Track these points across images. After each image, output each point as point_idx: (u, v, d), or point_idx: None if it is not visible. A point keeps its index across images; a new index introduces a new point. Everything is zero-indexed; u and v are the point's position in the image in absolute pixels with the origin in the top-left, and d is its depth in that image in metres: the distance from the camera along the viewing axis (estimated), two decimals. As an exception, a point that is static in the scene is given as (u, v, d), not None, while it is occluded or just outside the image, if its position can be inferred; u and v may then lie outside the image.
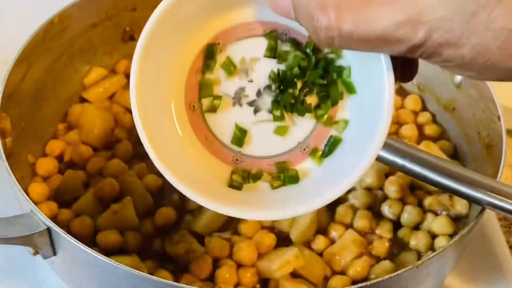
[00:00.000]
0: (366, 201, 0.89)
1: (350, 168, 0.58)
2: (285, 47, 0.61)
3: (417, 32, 0.46)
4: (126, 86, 1.06)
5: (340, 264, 0.84)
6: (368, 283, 0.71)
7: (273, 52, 0.61)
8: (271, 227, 0.87)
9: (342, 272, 0.84)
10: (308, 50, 0.60)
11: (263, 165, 0.62)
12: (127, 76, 1.07)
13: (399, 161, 0.80)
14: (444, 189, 0.78)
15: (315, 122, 0.62)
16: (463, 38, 0.46)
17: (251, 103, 0.62)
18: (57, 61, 1.01)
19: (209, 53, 0.61)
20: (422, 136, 1.01)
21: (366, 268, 0.83)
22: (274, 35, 0.61)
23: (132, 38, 1.11)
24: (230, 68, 0.61)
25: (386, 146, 0.80)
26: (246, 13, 0.61)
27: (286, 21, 0.60)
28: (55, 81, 1.01)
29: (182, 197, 0.90)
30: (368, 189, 0.91)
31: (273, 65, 0.61)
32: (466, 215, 0.90)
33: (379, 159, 0.81)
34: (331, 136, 0.62)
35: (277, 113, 0.61)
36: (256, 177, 0.63)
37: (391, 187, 0.89)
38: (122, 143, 0.96)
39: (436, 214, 0.89)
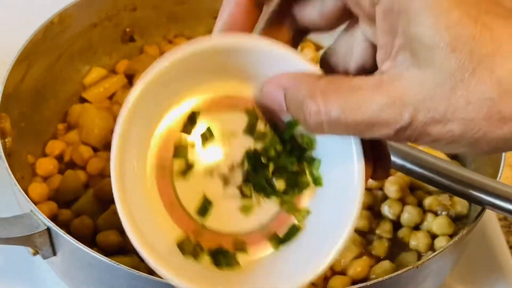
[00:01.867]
0: (365, 201, 0.89)
1: (305, 264, 0.58)
2: (263, 128, 0.60)
3: (402, 114, 0.47)
4: (126, 86, 1.06)
5: (340, 264, 0.84)
6: (368, 283, 0.71)
7: (252, 131, 0.60)
8: (271, 227, 0.87)
9: (342, 272, 0.84)
10: (285, 136, 0.60)
11: (222, 242, 0.61)
12: (127, 76, 1.07)
13: (399, 161, 0.80)
14: (444, 189, 0.78)
15: (279, 207, 0.61)
16: (448, 114, 0.46)
17: (222, 176, 0.60)
18: (57, 61, 1.01)
19: (191, 119, 0.60)
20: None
21: (366, 268, 0.83)
22: (255, 114, 0.60)
23: (132, 38, 1.11)
24: (208, 138, 0.60)
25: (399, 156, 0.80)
26: (232, 86, 0.60)
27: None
28: (55, 81, 1.01)
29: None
30: (368, 189, 0.91)
31: (250, 143, 0.60)
32: (466, 215, 0.90)
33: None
34: (292, 224, 0.61)
35: (247, 191, 0.61)
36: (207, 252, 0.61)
37: (391, 187, 0.89)
38: (122, 143, 0.96)
39: (436, 214, 0.89)
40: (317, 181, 0.60)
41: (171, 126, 0.60)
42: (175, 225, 0.59)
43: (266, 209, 0.61)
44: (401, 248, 0.87)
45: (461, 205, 0.90)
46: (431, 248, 0.86)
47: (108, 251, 0.83)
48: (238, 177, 0.60)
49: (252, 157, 0.60)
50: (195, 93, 0.60)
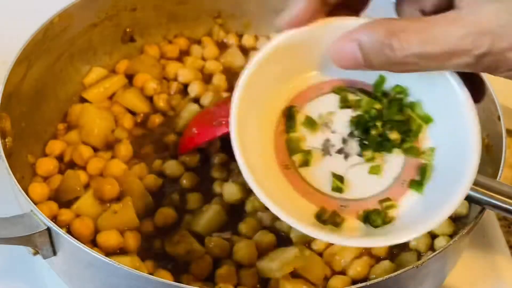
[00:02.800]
0: (366, 201, 0.89)
1: (449, 194, 0.61)
2: (355, 96, 0.65)
3: (482, 41, 0.51)
4: (126, 86, 1.06)
5: (340, 264, 0.84)
6: (368, 283, 0.71)
7: (346, 103, 0.65)
8: (271, 227, 0.87)
9: (342, 272, 0.84)
10: (378, 94, 0.65)
11: (368, 206, 0.65)
12: (127, 76, 1.07)
13: None
14: None
15: (403, 156, 0.65)
16: None
17: (339, 151, 0.65)
18: (57, 61, 1.01)
19: (289, 115, 0.65)
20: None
21: (366, 268, 0.83)
22: (342, 89, 0.65)
23: (132, 39, 1.11)
24: (311, 124, 0.65)
25: None
26: (312, 76, 0.65)
27: (349, 75, 0.64)
28: (55, 81, 1.01)
29: (182, 197, 0.90)
30: (368, 189, 0.91)
31: (350, 113, 0.65)
32: (466, 215, 0.90)
33: None
34: (422, 165, 0.65)
35: (368, 154, 0.65)
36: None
37: (391, 187, 0.89)
38: (122, 143, 0.96)
39: (436, 214, 0.89)
40: (427, 119, 0.64)
41: (275, 130, 0.65)
42: (313, 205, 0.64)
43: (393, 163, 0.65)
44: (401, 248, 0.87)
45: (461, 205, 0.89)
46: (431, 248, 0.86)
47: (108, 251, 0.83)
48: (354, 146, 0.65)
49: (357, 122, 0.65)
50: (284, 94, 0.65)
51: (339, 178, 0.65)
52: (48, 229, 0.75)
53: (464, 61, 0.53)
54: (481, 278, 0.94)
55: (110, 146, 0.97)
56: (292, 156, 0.65)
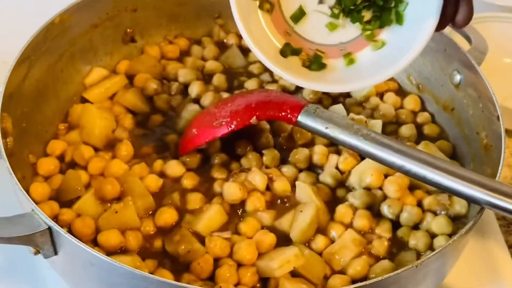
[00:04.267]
0: (365, 201, 0.90)
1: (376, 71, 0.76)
2: None
3: None
4: (127, 86, 1.06)
5: (339, 263, 0.84)
6: (367, 282, 0.72)
7: None
8: (271, 227, 0.87)
9: (342, 272, 0.84)
10: None
11: (304, 47, 0.78)
12: (128, 76, 1.08)
13: (398, 161, 0.80)
14: (443, 189, 0.78)
15: (360, 33, 0.77)
16: None
17: None
18: (58, 61, 1.01)
19: None
20: (421, 136, 1.02)
21: (365, 268, 0.84)
22: None
23: (133, 39, 1.12)
24: None
25: (385, 147, 0.81)
26: None
27: None
28: (56, 81, 1.01)
29: (183, 197, 0.91)
30: (368, 189, 0.91)
31: None
32: (465, 215, 0.90)
33: (378, 159, 0.82)
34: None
35: (336, 11, 0.76)
36: (297, 52, 0.79)
37: (391, 187, 0.90)
38: (123, 143, 0.96)
39: (435, 214, 0.89)
40: (399, 19, 0.75)
41: None
42: (272, 25, 0.77)
43: (349, 31, 0.78)
44: (401, 248, 0.87)
45: (460, 205, 0.90)
46: (430, 247, 0.87)
47: (109, 251, 0.83)
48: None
49: None
50: None
51: (302, 12, 0.77)
52: (49, 229, 0.75)
53: None
54: (480, 277, 0.94)
55: (111, 146, 0.97)
56: None
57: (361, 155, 0.95)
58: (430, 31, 0.73)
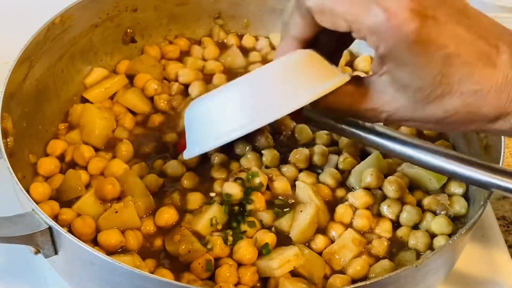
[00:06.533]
0: (365, 201, 0.90)
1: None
2: None
3: (381, 116, 0.72)
4: (127, 86, 1.06)
5: (339, 263, 0.84)
6: (367, 282, 0.72)
7: None
8: (271, 227, 0.87)
9: (342, 271, 0.84)
10: None
11: None
12: (128, 76, 1.08)
13: (410, 152, 0.80)
14: (452, 174, 0.78)
15: None
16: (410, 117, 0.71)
17: None
18: (59, 61, 1.01)
19: None
20: (421, 136, 1.01)
21: (365, 267, 0.84)
22: None
23: (133, 39, 1.12)
24: None
25: (392, 136, 0.81)
26: None
27: None
28: (56, 81, 1.01)
29: (183, 197, 0.91)
30: (367, 188, 0.91)
31: None
32: (464, 215, 0.90)
33: (385, 148, 0.82)
34: None
35: None
36: None
37: (390, 187, 0.90)
38: (123, 143, 0.96)
39: (435, 213, 0.90)
40: None
41: None
42: None
43: None
44: (400, 247, 0.87)
45: (459, 205, 0.90)
46: (430, 247, 0.87)
47: (109, 250, 0.83)
48: None
49: None
50: None
51: None
52: (50, 228, 0.76)
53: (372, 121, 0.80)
54: (480, 277, 0.94)
55: (111, 146, 0.97)
56: None
57: (362, 155, 0.95)
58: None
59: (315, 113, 0.86)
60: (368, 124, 0.82)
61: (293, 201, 0.90)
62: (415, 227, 0.89)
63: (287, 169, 0.93)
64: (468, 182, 0.79)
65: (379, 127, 0.82)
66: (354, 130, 0.82)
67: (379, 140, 0.82)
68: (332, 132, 0.96)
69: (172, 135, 0.99)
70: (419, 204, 0.91)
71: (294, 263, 0.81)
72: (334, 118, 0.84)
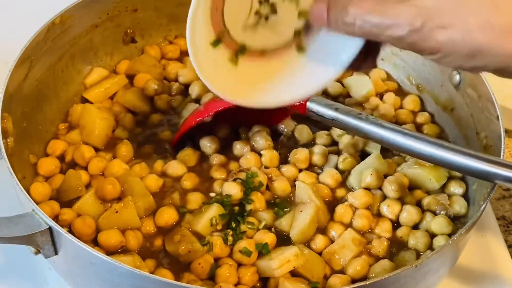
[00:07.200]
0: (365, 201, 0.90)
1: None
2: None
3: (418, 20, 0.63)
4: (127, 86, 1.06)
5: (339, 263, 0.84)
6: (367, 282, 0.72)
7: None
8: (271, 227, 0.87)
9: (342, 271, 0.84)
10: None
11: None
12: (128, 76, 1.08)
13: (409, 142, 0.81)
14: (456, 167, 0.78)
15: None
16: (452, 23, 0.62)
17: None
18: (59, 61, 1.01)
19: None
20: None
21: (365, 267, 0.84)
22: None
23: (133, 39, 1.12)
24: None
25: (396, 129, 0.83)
26: None
27: None
28: (56, 81, 1.01)
29: (183, 197, 0.91)
30: (367, 189, 0.91)
31: None
32: (464, 215, 0.90)
33: (388, 142, 0.83)
34: None
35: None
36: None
37: (390, 187, 0.90)
38: (123, 143, 0.96)
39: (434, 213, 0.90)
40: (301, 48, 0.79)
41: None
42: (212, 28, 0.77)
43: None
44: (400, 247, 0.87)
45: (459, 205, 0.90)
46: (430, 247, 0.87)
47: (109, 250, 0.83)
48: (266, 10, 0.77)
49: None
50: None
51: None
52: (50, 229, 0.76)
53: (398, 33, 0.64)
54: (480, 277, 0.94)
55: (111, 146, 0.97)
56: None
57: (362, 155, 0.95)
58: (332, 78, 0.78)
59: (319, 104, 0.87)
60: (371, 117, 0.82)
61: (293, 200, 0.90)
62: (415, 227, 0.89)
63: (287, 169, 0.94)
64: (472, 174, 0.79)
65: (382, 121, 0.82)
66: (357, 122, 0.83)
67: (382, 133, 0.82)
68: (335, 127, 0.95)
69: (172, 135, 0.99)
70: (419, 204, 0.91)
71: (294, 263, 0.81)
72: (337, 109, 0.84)
